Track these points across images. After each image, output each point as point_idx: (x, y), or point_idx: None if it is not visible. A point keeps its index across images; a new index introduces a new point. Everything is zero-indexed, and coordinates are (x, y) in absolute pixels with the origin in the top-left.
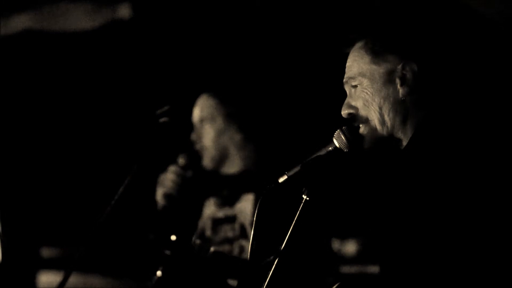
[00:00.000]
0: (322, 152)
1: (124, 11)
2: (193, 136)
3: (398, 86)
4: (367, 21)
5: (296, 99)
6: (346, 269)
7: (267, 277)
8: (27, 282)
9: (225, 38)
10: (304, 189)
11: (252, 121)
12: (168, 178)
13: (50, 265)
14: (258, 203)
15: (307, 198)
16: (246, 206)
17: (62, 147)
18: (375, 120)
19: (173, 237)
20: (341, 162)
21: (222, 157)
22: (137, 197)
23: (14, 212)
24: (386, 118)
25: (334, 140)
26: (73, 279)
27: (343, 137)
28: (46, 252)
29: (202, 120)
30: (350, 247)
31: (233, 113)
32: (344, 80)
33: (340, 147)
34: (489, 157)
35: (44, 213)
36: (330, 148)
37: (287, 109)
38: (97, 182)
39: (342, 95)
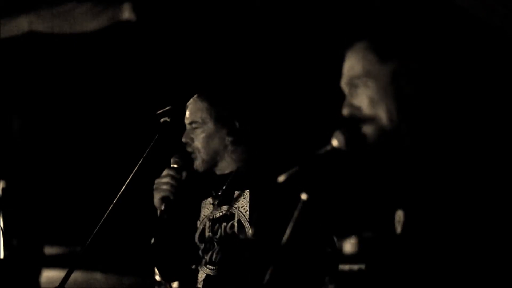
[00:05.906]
0: (321, 151)
1: (126, 13)
2: (185, 138)
3: (404, 84)
4: (368, 21)
5: (296, 100)
6: (344, 268)
7: (266, 277)
8: (31, 280)
9: (225, 39)
10: (303, 188)
11: (242, 124)
12: (164, 182)
13: (53, 262)
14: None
15: (306, 198)
16: (242, 203)
17: (65, 147)
18: (383, 118)
19: None
20: (340, 161)
21: (213, 160)
22: (139, 196)
23: (17, 210)
24: (394, 115)
25: (333, 140)
26: (76, 276)
27: (342, 137)
28: (49, 250)
29: (192, 123)
30: (349, 246)
31: (223, 116)
32: (346, 80)
33: (339, 146)
34: (495, 154)
35: (47, 212)
36: (329, 148)
37: (285, 110)
38: (99, 181)
39: (341, 96)
